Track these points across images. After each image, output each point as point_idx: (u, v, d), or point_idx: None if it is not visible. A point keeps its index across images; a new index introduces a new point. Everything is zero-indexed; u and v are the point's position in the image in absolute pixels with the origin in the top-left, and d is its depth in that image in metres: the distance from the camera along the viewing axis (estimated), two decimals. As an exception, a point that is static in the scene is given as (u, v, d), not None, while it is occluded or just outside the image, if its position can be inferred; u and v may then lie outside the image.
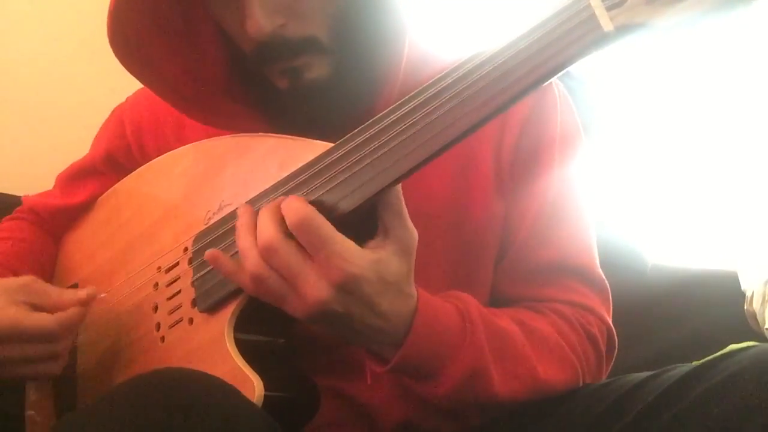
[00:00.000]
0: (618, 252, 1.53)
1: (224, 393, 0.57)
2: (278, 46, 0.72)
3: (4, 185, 1.30)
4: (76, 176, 0.98)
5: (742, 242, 1.58)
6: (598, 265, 0.84)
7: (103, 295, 0.79)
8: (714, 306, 1.52)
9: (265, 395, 0.64)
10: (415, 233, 0.63)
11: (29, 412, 0.90)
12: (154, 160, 0.87)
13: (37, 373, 0.76)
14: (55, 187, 1.01)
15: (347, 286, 0.60)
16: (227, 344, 0.68)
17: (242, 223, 0.64)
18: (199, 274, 0.72)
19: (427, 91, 0.60)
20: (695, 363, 0.66)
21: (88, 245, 0.93)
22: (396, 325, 0.65)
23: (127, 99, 0.99)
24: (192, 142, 0.83)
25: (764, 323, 1.39)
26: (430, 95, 0.60)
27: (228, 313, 0.69)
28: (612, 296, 0.85)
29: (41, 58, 1.45)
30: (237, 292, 0.68)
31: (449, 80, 0.59)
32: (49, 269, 0.96)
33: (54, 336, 0.74)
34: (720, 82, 1.69)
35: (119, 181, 0.92)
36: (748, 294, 1.47)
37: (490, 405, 0.71)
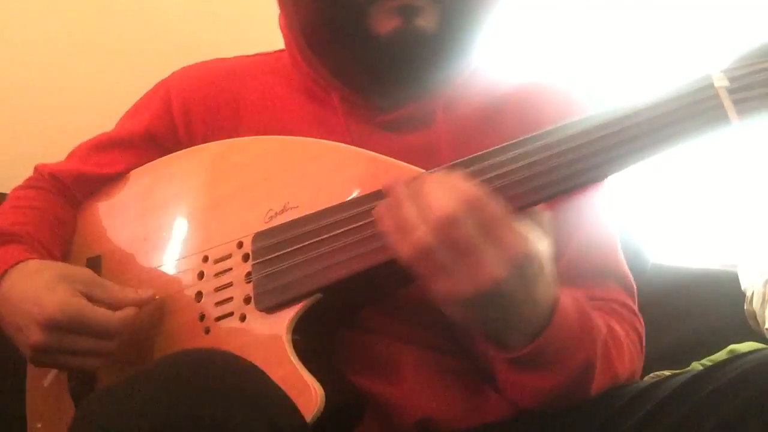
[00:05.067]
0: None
1: (255, 376, 0.58)
2: None
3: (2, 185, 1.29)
4: (105, 146, 0.94)
5: (743, 242, 1.58)
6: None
7: (158, 297, 0.78)
8: (714, 306, 1.53)
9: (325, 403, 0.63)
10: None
11: (37, 425, 0.88)
12: (206, 144, 0.85)
13: (82, 366, 0.75)
14: (71, 157, 0.97)
15: (522, 265, 0.59)
16: (287, 348, 0.67)
17: (402, 193, 0.62)
18: (259, 273, 0.71)
19: (564, 130, 0.61)
20: (703, 365, 0.68)
21: (115, 218, 0.90)
22: (540, 313, 0.64)
23: (172, 74, 0.95)
24: (248, 127, 0.82)
25: (764, 323, 1.40)
26: (562, 137, 0.61)
27: (289, 316, 0.68)
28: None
29: (38, 58, 1.44)
30: (301, 297, 0.68)
31: (573, 130, 0.61)
32: (71, 242, 0.93)
33: (111, 334, 0.73)
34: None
35: (155, 158, 0.89)
36: (748, 294, 1.47)
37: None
